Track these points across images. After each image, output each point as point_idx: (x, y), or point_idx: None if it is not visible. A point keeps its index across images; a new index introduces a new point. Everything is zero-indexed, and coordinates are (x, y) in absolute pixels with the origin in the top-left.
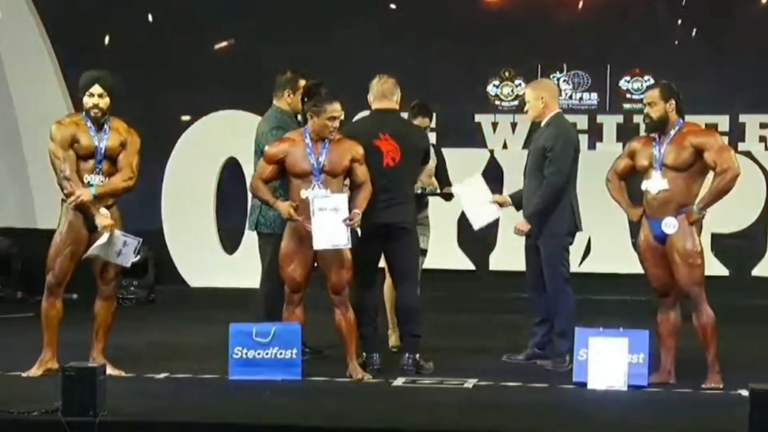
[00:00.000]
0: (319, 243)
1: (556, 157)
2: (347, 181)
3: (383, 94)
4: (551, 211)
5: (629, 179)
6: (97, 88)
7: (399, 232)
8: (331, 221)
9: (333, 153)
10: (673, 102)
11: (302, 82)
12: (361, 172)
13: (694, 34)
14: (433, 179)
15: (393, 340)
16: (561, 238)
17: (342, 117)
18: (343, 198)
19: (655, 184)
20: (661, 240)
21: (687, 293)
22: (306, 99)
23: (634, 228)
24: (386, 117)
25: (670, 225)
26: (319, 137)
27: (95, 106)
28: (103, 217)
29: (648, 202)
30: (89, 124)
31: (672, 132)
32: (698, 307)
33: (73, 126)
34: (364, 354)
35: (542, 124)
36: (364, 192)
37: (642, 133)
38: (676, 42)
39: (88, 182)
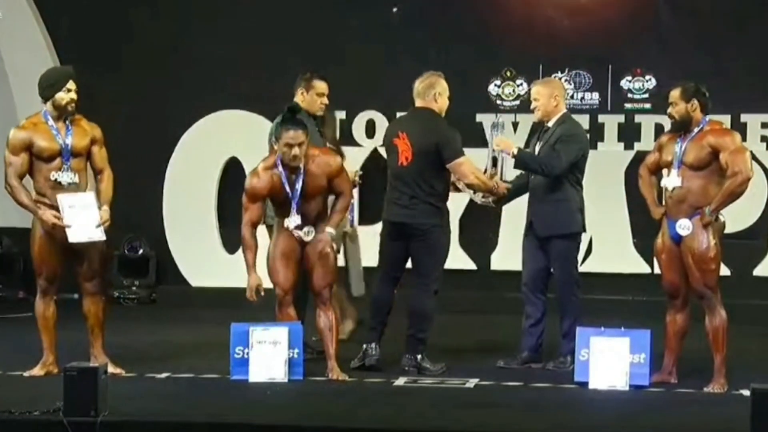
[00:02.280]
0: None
1: (567, 149)
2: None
3: (417, 93)
4: (554, 206)
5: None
6: (72, 84)
7: (413, 232)
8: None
9: (309, 177)
10: (695, 102)
11: (317, 83)
12: (337, 184)
13: (695, 33)
14: None
15: (347, 326)
16: (574, 238)
17: (305, 142)
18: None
19: (671, 181)
20: (676, 240)
21: (701, 295)
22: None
23: (636, 228)
24: (413, 116)
25: (683, 226)
26: (292, 167)
27: (72, 101)
28: (44, 214)
29: (665, 200)
30: (51, 123)
31: (695, 130)
32: (711, 309)
33: (30, 128)
34: (365, 345)
35: (551, 123)
36: (341, 202)
37: (644, 133)
38: (678, 41)
39: (56, 180)
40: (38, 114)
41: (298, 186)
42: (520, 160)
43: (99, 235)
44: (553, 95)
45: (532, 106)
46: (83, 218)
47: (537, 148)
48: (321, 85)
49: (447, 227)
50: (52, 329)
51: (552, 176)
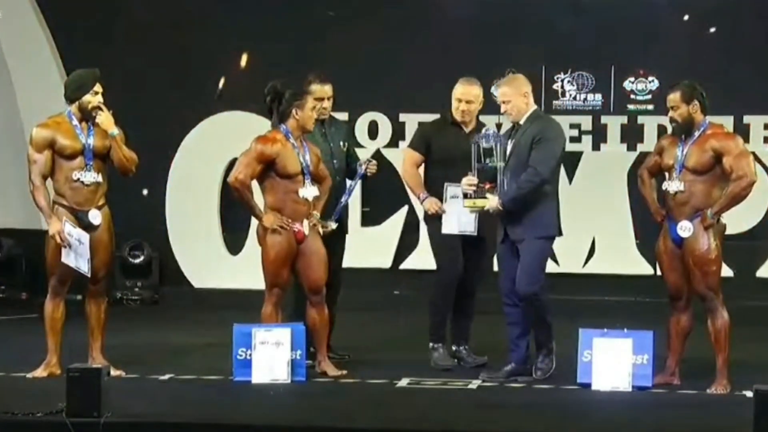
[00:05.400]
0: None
1: (547, 148)
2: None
3: None
4: (529, 207)
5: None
6: (98, 87)
7: None
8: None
9: (311, 153)
10: (696, 103)
11: (314, 87)
12: (322, 170)
13: (698, 34)
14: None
15: None
16: (549, 241)
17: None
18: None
19: (674, 185)
20: (677, 242)
21: (703, 297)
22: (275, 102)
23: (639, 229)
24: None
25: (685, 228)
26: (302, 133)
27: (100, 103)
28: (53, 225)
29: (667, 202)
30: (75, 122)
31: (696, 133)
32: (714, 310)
33: (53, 126)
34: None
35: (523, 121)
36: (325, 186)
37: (647, 134)
38: (680, 42)
39: (78, 179)
40: (62, 114)
41: (308, 159)
42: (510, 204)
43: (85, 270)
44: (522, 92)
45: (502, 110)
46: (76, 248)
47: (509, 149)
48: (318, 90)
49: (434, 229)
50: (59, 331)
51: (543, 183)
